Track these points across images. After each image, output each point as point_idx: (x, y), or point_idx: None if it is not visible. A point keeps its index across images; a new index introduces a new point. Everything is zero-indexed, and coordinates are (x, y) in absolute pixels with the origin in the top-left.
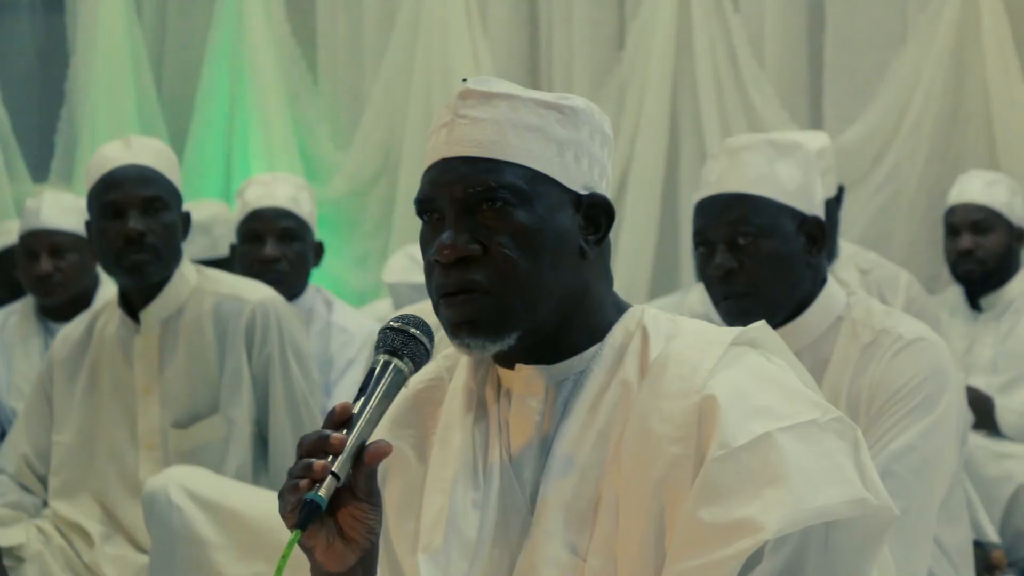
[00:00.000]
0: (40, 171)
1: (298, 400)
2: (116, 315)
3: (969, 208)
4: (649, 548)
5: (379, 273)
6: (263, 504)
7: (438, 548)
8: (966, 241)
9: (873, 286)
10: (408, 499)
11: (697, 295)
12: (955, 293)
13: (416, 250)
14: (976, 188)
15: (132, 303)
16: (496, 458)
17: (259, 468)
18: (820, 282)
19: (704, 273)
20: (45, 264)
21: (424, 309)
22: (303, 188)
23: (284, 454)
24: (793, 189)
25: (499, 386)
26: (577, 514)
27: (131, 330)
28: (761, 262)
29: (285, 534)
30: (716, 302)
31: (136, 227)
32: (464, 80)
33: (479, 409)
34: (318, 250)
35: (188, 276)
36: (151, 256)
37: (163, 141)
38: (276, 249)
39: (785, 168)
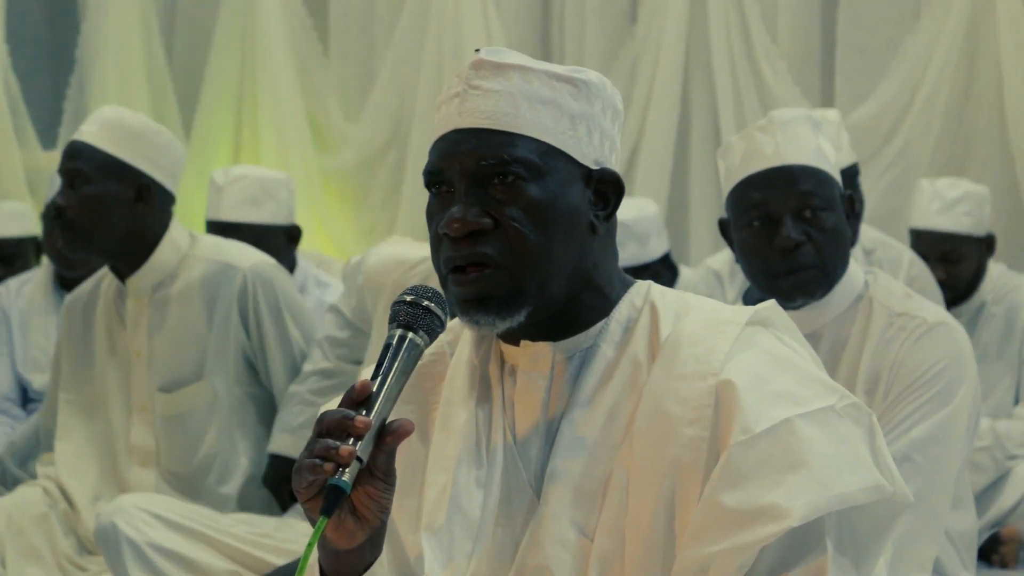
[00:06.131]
0: (49, 138)
1: (298, 360)
2: (114, 279)
3: (936, 237)
4: (659, 529)
5: None
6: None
7: (441, 527)
8: (938, 272)
9: (876, 265)
10: (409, 476)
11: (700, 274)
12: None
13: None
14: (935, 210)
15: (119, 270)
16: (500, 436)
17: (251, 430)
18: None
19: (759, 247)
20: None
21: None
22: (262, 187)
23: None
24: (834, 163)
25: (503, 362)
26: (585, 494)
27: (124, 294)
28: (827, 234)
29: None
30: (775, 275)
31: (57, 201)
32: (477, 51)
33: (483, 386)
34: (292, 233)
35: (179, 242)
36: (65, 232)
37: (173, 108)
38: None
39: (824, 143)
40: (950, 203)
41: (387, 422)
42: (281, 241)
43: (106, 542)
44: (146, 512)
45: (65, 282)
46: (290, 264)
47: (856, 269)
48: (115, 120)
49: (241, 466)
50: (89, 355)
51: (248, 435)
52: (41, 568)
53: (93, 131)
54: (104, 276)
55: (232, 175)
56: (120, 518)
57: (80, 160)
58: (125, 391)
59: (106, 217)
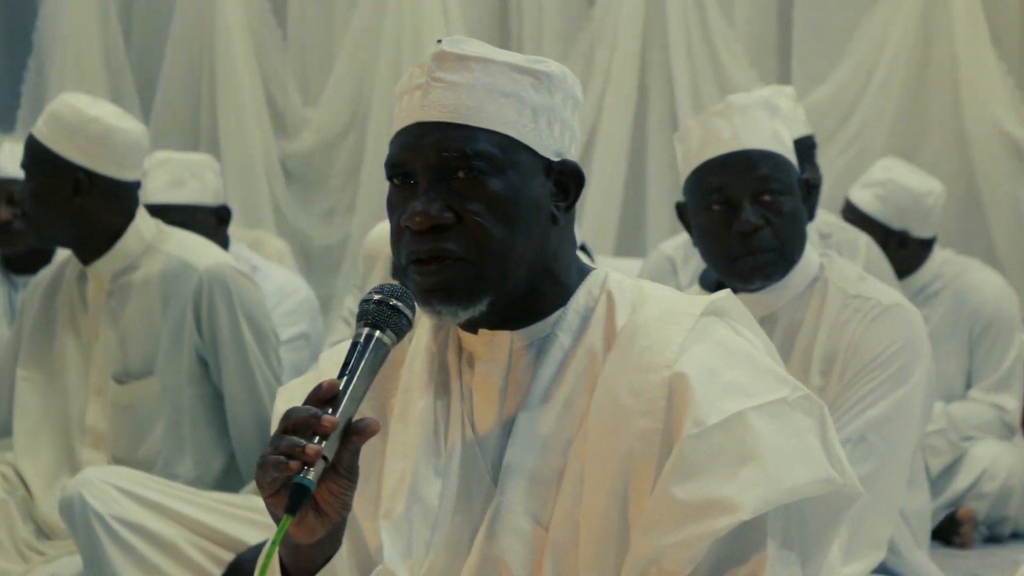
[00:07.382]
0: (7, 122)
1: (252, 366)
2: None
3: (848, 209)
4: (612, 519)
5: (345, 228)
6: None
7: (400, 515)
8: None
9: (832, 249)
10: (367, 463)
11: (653, 259)
12: None
13: None
14: (859, 183)
15: (81, 256)
16: (458, 424)
17: (201, 432)
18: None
19: (718, 231)
20: (4, 212)
21: None
22: (186, 168)
23: (240, 421)
24: (790, 147)
25: (461, 349)
26: (541, 484)
27: (86, 277)
28: (785, 218)
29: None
30: (734, 258)
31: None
32: (439, 41)
33: (441, 373)
34: (222, 214)
35: (143, 232)
36: (25, 223)
37: (131, 93)
38: None
39: (780, 127)
40: (873, 183)
41: (353, 420)
42: (211, 222)
43: (72, 515)
44: (112, 486)
45: (9, 262)
46: (222, 245)
47: (812, 252)
48: (53, 112)
49: (185, 466)
50: (50, 334)
51: (197, 436)
52: (1, 555)
53: (39, 124)
54: (70, 259)
55: (155, 159)
56: (87, 490)
57: (26, 155)
58: (84, 372)
59: (49, 211)
